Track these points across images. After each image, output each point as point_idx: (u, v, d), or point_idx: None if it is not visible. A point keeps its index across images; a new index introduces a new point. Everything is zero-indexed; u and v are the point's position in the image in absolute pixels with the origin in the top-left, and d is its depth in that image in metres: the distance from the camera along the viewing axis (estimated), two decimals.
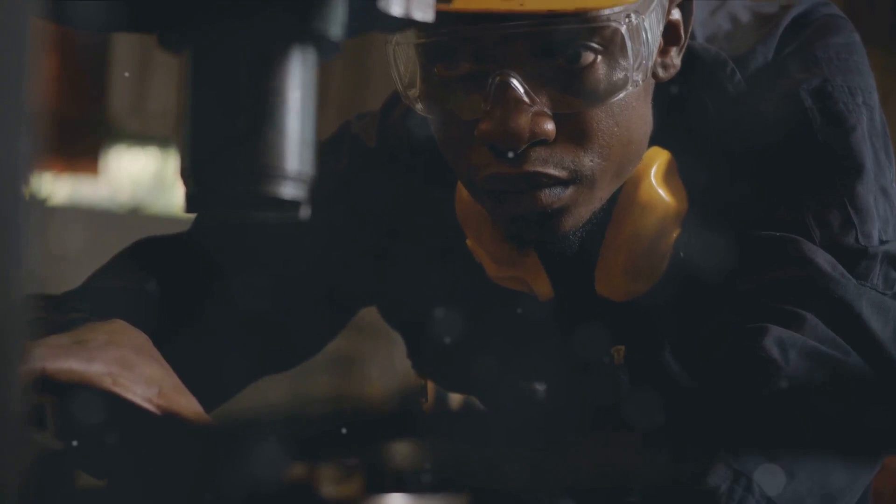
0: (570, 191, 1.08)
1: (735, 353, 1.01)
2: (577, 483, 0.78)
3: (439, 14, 0.94)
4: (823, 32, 1.19)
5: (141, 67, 4.69)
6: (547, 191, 1.07)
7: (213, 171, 0.56)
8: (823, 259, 1.07)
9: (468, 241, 1.24)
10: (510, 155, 1.05)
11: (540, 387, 0.76)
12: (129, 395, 0.94)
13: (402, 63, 1.11)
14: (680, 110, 1.17)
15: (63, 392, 0.89)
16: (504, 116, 1.04)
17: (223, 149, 0.56)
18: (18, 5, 0.36)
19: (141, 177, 5.05)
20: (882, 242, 1.10)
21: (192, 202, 0.56)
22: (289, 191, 0.56)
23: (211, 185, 0.56)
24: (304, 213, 0.57)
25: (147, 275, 1.25)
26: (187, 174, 0.56)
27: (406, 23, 0.62)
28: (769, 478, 0.93)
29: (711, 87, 1.17)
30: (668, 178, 1.16)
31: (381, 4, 0.60)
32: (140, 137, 4.95)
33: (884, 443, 1.04)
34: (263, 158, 0.56)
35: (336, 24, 0.58)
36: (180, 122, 0.57)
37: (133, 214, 4.96)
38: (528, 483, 0.74)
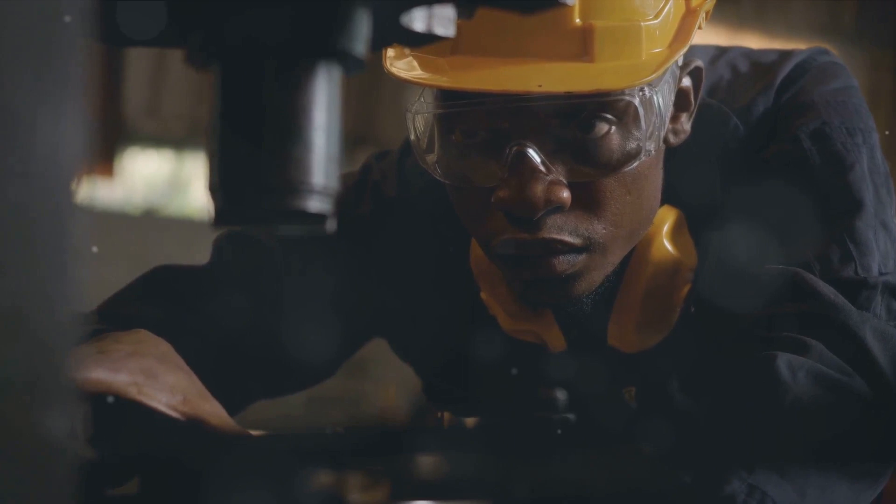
0: (583, 257, 1.11)
1: (746, 376, 1.03)
2: (592, 493, 0.79)
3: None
4: (821, 78, 1.22)
5: (155, 70, 4.71)
6: (561, 257, 1.10)
7: (240, 186, 0.57)
8: (826, 289, 1.09)
9: (482, 294, 1.26)
10: (526, 221, 1.08)
11: (560, 395, 0.77)
12: (154, 404, 0.96)
13: (420, 130, 1.14)
14: (687, 167, 1.19)
15: (90, 401, 0.91)
16: (520, 185, 1.07)
17: (250, 164, 0.57)
18: (72, 26, 0.38)
19: (155, 179, 5.07)
20: (882, 274, 1.12)
21: (220, 217, 0.57)
22: (315, 204, 0.57)
23: (238, 200, 0.57)
24: (330, 226, 0.58)
25: (164, 307, 1.26)
26: (215, 189, 0.57)
27: (428, 38, 0.63)
28: (781, 493, 0.94)
29: (716, 142, 1.19)
30: (678, 235, 1.20)
31: (404, 20, 0.61)
32: (154, 140, 4.97)
33: (884, 462, 1.06)
34: (290, 173, 0.56)
35: (360, 40, 0.59)
36: (208, 137, 0.58)
37: (147, 216, 4.98)
38: (545, 491, 0.75)
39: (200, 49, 0.58)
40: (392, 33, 0.61)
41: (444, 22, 0.63)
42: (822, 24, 6.03)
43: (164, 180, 5.15)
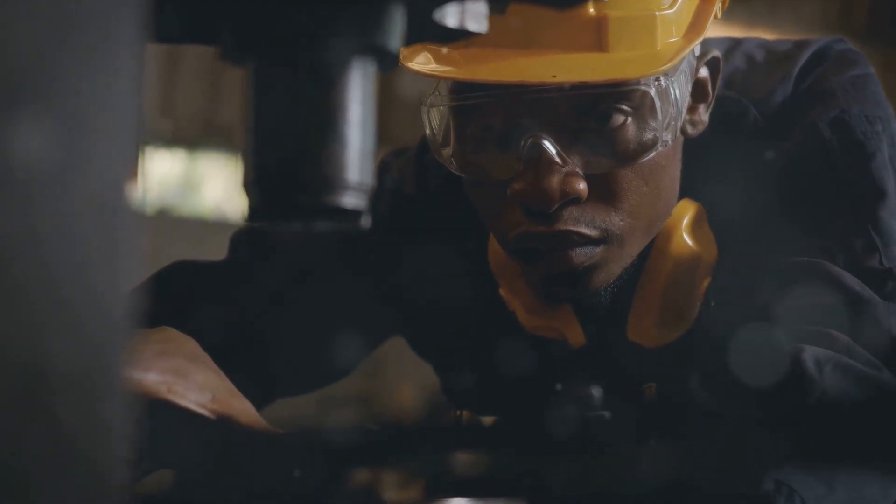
0: (600, 249, 1.10)
1: (772, 371, 1.03)
2: (626, 489, 0.79)
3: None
4: (839, 67, 1.21)
5: (169, 70, 4.72)
6: (578, 249, 1.09)
7: (275, 182, 0.57)
8: (851, 280, 1.08)
9: (501, 290, 1.26)
10: (542, 214, 1.07)
11: (596, 392, 0.77)
12: (184, 402, 0.96)
13: (436, 123, 1.14)
14: (705, 160, 1.18)
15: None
16: (536, 177, 1.06)
17: (285, 160, 0.56)
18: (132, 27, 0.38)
19: (168, 179, 5.07)
20: None
21: (254, 213, 0.57)
22: (350, 200, 0.57)
23: (274, 196, 0.57)
24: (365, 222, 0.58)
25: (182, 303, 1.26)
26: (251, 185, 0.57)
27: (460, 33, 0.63)
28: (809, 488, 0.94)
29: (735, 134, 1.19)
30: (698, 228, 1.19)
31: (437, 16, 0.61)
32: (168, 140, 4.98)
33: None
34: (325, 169, 0.56)
35: (394, 36, 0.59)
36: (243, 134, 0.58)
37: (160, 216, 4.99)
38: (581, 489, 0.75)
39: (235, 46, 0.58)
40: (425, 29, 0.61)
41: (476, 17, 0.63)
42: (833, 23, 6.03)
43: (177, 180, 5.16)
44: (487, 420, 1.18)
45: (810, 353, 1.00)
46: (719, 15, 1.14)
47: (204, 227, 4.75)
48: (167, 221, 4.90)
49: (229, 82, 4.70)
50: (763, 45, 1.28)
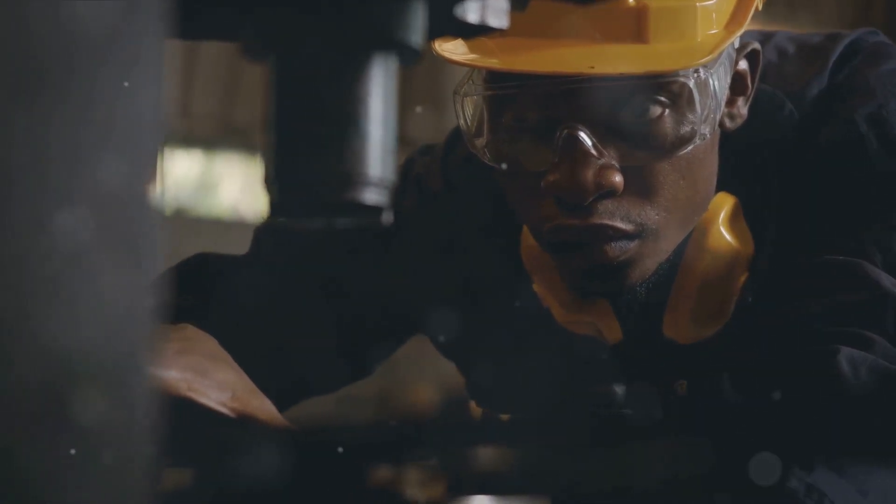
0: (635, 244, 1.09)
1: (806, 372, 1.02)
2: (650, 486, 0.78)
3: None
4: (874, 59, 1.19)
5: (185, 69, 4.72)
6: (613, 244, 1.08)
7: (296, 178, 0.57)
8: (888, 281, 1.07)
9: (535, 286, 1.24)
10: (577, 207, 1.06)
11: (618, 389, 0.76)
12: (204, 400, 0.96)
13: (469, 113, 1.12)
14: (741, 153, 1.17)
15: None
16: (571, 169, 1.05)
17: (306, 156, 0.56)
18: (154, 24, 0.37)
19: (185, 179, 5.08)
20: None
21: (275, 209, 0.57)
22: (371, 196, 0.57)
23: (294, 192, 0.57)
24: (386, 218, 0.57)
25: (203, 297, 1.25)
26: (271, 181, 0.57)
27: (481, 29, 0.62)
28: (841, 492, 0.92)
29: (771, 128, 1.17)
30: (734, 222, 1.17)
31: (458, 11, 0.60)
32: (184, 139, 4.98)
33: None
34: (346, 165, 0.56)
35: (416, 30, 0.58)
36: (264, 129, 0.57)
37: (178, 216, 4.99)
38: (604, 485, 0.75)
39: (256, 42, 0.58)
40: (446, 24, 0.61)
41: (497, 13, 0.63)
42: (852, 20, 6.00)
43: (193, 180, 5.16)
44: (510, 417, 1.16)
45: (845, 354, 0.99)
46: (760, 7, 1.13)
47: (221, 227, 4.75)
48: (184, 222, 4.90)
49: (247, 83, 4.70)
50: (794, 38, 1.26)
